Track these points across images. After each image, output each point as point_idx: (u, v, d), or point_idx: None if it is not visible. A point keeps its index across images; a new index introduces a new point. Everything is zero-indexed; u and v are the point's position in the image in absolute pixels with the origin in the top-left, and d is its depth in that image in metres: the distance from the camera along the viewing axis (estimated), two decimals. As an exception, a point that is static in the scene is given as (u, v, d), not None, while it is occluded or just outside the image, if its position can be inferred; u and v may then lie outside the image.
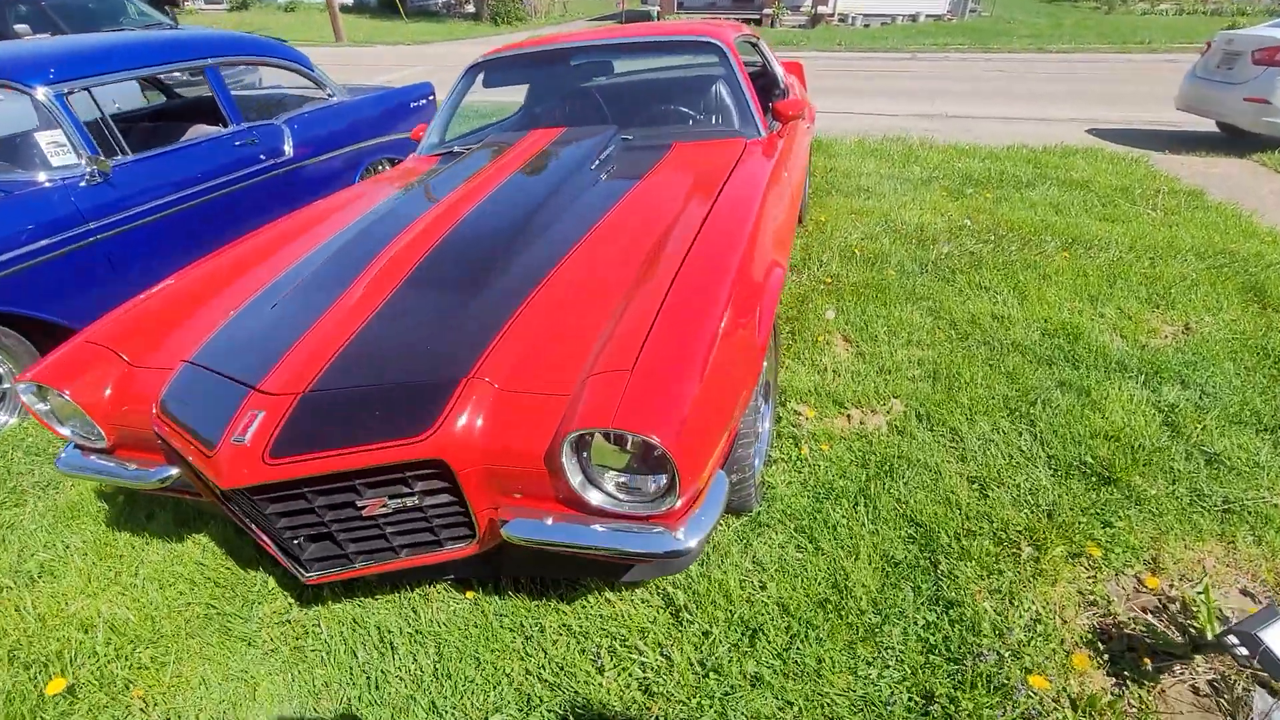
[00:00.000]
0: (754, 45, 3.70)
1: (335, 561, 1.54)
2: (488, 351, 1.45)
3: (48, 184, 3.16)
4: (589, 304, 1.59)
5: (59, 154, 3.26)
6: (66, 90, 3.27)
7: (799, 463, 2.19)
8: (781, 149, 2.72)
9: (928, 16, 20.89)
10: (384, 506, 1.42)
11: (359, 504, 1.41)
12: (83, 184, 3.22)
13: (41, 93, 3.18)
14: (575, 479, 1.31)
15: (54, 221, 3.11)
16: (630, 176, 2.25)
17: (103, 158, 3.30)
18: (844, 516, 1.96)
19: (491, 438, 1.34)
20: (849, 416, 2.41)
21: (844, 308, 3.15)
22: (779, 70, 3.74)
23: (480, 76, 3.08)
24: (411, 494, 1.40)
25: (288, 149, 4.32)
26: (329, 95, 4.86)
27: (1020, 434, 2.25)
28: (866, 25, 19.68)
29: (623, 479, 1.35)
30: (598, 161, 2.33)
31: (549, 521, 1.38)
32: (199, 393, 1.51)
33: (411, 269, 1.73)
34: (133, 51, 3.72)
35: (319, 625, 1.75)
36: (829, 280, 3.49)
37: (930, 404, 2.41)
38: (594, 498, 1.33)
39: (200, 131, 4.16)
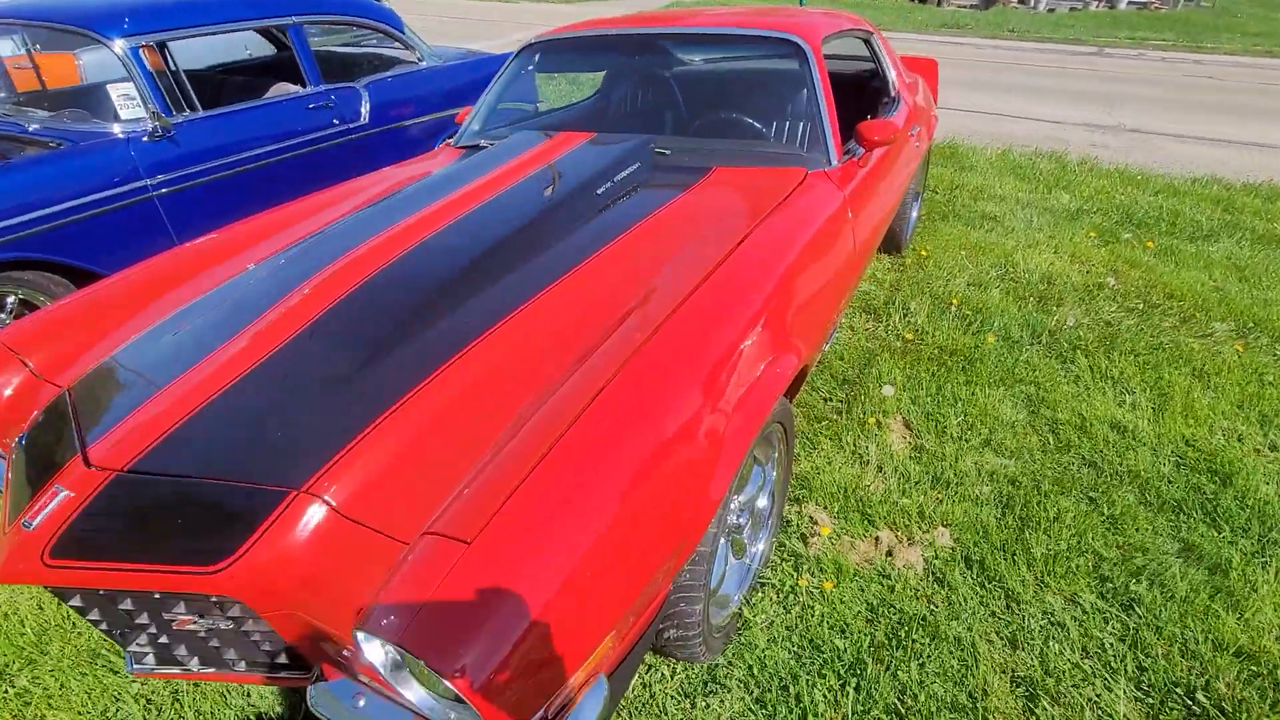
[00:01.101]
0: (866, 42, 3.08)
1: (166, 659, 1.32)
2: (343, 454, 1.13)
3: (111, 137, 3.17)
4: (493, 404, 1.21)
5: (128, 107, 3.27)
6: (142, 43, 3.26)
7: (791, 597, 1.72)
8: (857, 184, 2.17)
9: (1130, 3, 18.02)
10: (194, 624, 1.17)
11: (166, 615, 1.17)
12: (145, 139, 3.22)
13: (119, 44, 3.18)
14: (378, 659, 0.98)
15: (110, 175, 3.12)
16: (637, 211, 1.82)
17: (165, 115, 3.29)
18: (824, 699, 1.49)
19: (303, 580, 1.03)
20: (876, 540, 1.89)
21: (916, 378, 2.56)
22: (893, 75, 3.10)
23: (536, 59, 2.72)
24: (223, 618, 1.14)
25: (364, 114, 4.20)
26: (419, 59, 4.70)
27: (1107, 622, 1.64)
28: (1051, 10, 17.27)
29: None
30: (610, 184, 1.91)
31: (361, 703, 1.06)
32: (43, 440, 1.32)
33: (319, 313, 1.43)
34: (212, 6, 3.68)
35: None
36: (909, 337, 2.88)
37: (989, 546, 1.84)
38: (411, 693, 1.00)
39: (281, 90, 4.13)
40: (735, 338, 1.41)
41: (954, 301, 3.13)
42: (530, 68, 2.76)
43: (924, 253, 3.69)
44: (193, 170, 3.38)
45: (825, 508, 2.00)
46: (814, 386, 2.56)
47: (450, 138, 2.79)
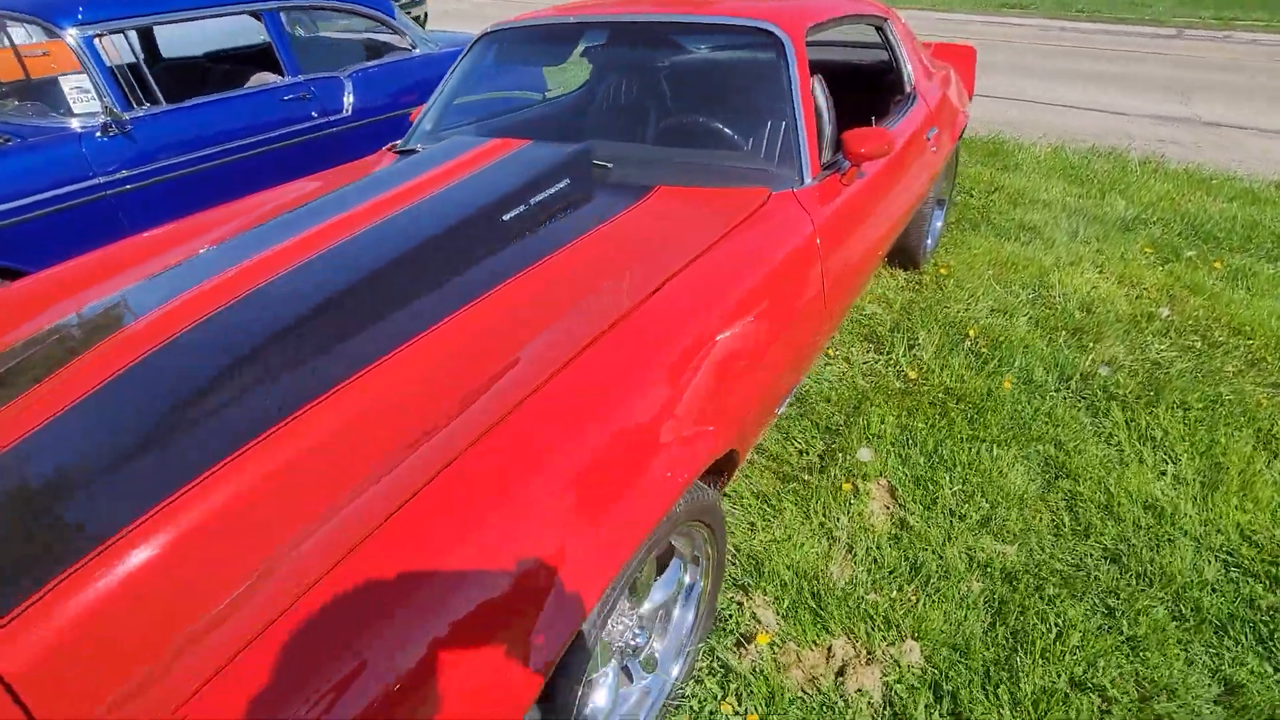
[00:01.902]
0: (878, 29, 2.65)
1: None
2: (49, 589, 0.86)
3: (62, 132, 3.00)
4: (259, 526, 0.92)
5: (81, 100, 3.10)
6: (96, 32, 3.08)
7: (712, 726, 1.40)
8: (837, 207, 1.80)
9: (1220, -21, 16.45)
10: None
11: None
12: (98, 135, 3.04)
13: (71, 34, 3.00)
14: None
15: (58, 174, 2.95)
16: (545, 244, 1.49)
17: (122, 109, 3.11)
18: None
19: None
20: (828, 652, 1.55)
21: (911, 430, 2.17)
22: (909, 68, 2.66)
23: (495, 50, 2.40)
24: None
25: (346, 106, 3.97)
26: (410, 46, 4.44)
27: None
28: (1129, -14, 15.90)
29: None
30: (523, 209, 1.59)
31: None
32: None
33: (128, 365, 1.17)
34: (175, -8, 3.48)
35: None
36: (912, 376, 2.48)
37: (968, 672, 1.47)
38: None
39: (261, 81, 3.92)
40: (629, 416, 1.09)
41: (971, 333, 2.71)
42: (490, 59, 2.44)
43: (944, 270, 3.25)
44: (151, 168, 3.19)
45: (774, 601, 1.66)
46: (789, 435, 2.21)
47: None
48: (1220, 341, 2.67)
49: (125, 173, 3.11)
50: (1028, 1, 12.74)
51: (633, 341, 1.21)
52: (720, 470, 1.45)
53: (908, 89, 2.65)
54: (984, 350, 2.60)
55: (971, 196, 4.22)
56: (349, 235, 1.52)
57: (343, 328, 1.24)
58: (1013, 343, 2.63)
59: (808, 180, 1.76)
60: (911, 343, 2.68)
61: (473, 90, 2.40)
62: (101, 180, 3.06)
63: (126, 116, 3.10)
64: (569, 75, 3.97)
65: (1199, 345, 2.65)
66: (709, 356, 1.28)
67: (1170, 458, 2.08)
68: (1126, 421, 2.23)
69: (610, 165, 1.82)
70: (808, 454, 2.14)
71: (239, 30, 5.42)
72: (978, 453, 2.09)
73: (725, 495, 1.98)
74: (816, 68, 3.32)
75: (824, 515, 1.90)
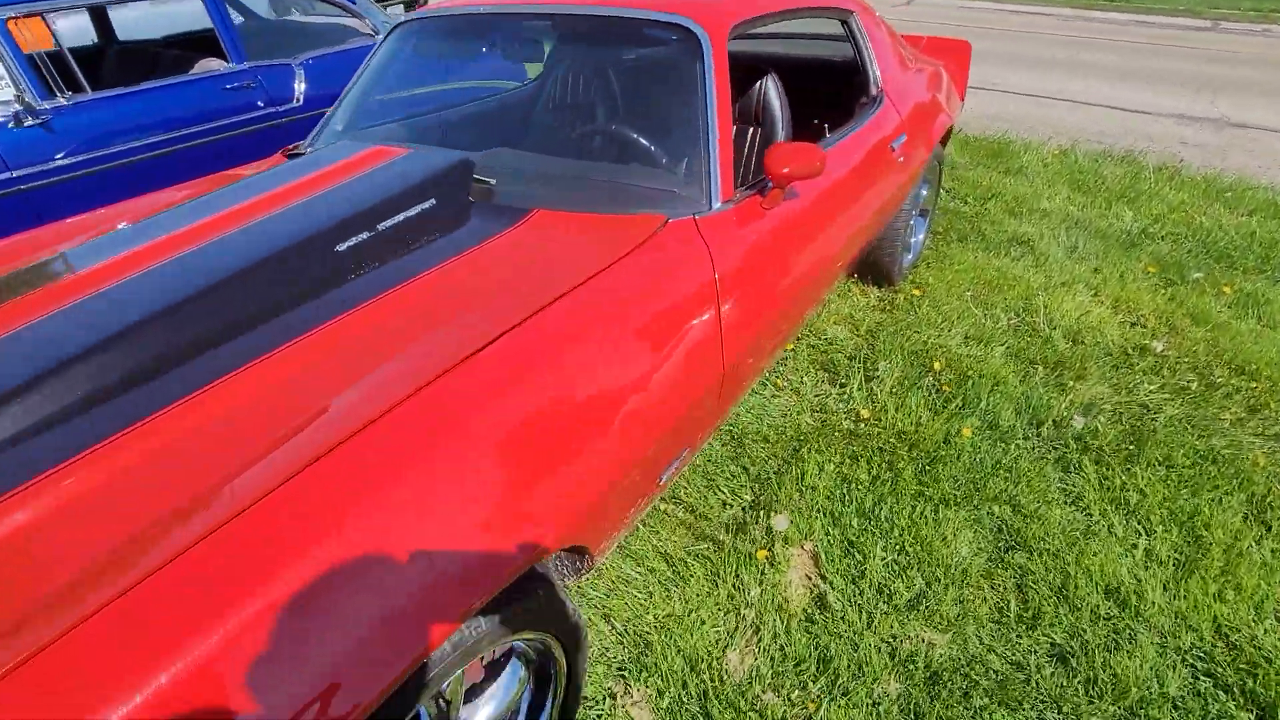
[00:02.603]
0: (843, 23, 2.37)
1: None
2: None
3: (-26, 123, 2.82)
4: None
5: None
6: (9, 15, 2.89)
7: None
8: (755, 237, 1.54)
9: (1264, -34, 15.58)
10: None
11: None
12: (11, 125, 2.86)
13: (-20, 20, 2.81)
14: None
15: (-37, 168, 2.78)
16: (376, 284, 1.25)
17: (39, 98, 2.92)
18: None
19: None
20: (707, 768, 1.32)
21: (852, 481, 1.92)
22: (875, 69, 2.37)
23: (412, 43, 2.16)
24: None
25: (297, 95, 3.75)
26: (374, 32, 4.21)
27: None
28: (1166, -26, 15.13)
29: None
30: (368, 235, 1.36)
31: None
32: None
33: None
34: (95, -29, 3.27)
35: None
36: (864, 415, 2.22)
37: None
38: None
39: (205, 68, 3.71)
40: (395, 519, 0.86)
41: (936, 365, 2.43)
42: (407, 52, 2.20)
43: (921, 290, 2.96)
44: (71, 161, 3.00)
45: (655, 696, 1.43)
46: (713, 482, 1.97)
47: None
48: (1219, 382, 2.37)
49: (41, 166, 2.92)
50: (1054, -11, 12.14)
51: (429, 416, 0.98)
52: (579, 566, 1.22)
53: (873, 91, 2.36)
54: (948, 387, 2.33)
55: (965, 203, 3.91)
56: (162, 259, 1.30)
57: (93, 387, 1.02)
58: (982, 378, 2.36)
59: (716, 205, 1.50)
60: (870, 374, 2.42)
61: (387, 87, 2.16)
62: (14, 174, 2.87)
63: (44, 106, 2.91)
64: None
65: (1195, 386, 2.35)
66: (543, 430, 1.04)
67: (1144, 528, 1.80)
68: (1100, 480, 1.96)
69: (492, 182, 1.57)
70: (731, 506, 1.90)
71: (201, 13, 5.23)
72: (922, 513, 1.83)
73: (629, 554, 1.75)
74: (777, 63, 3.04)
75: (735, 586, 1.66)
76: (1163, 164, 4.56)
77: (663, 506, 1.89)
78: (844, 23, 2.34)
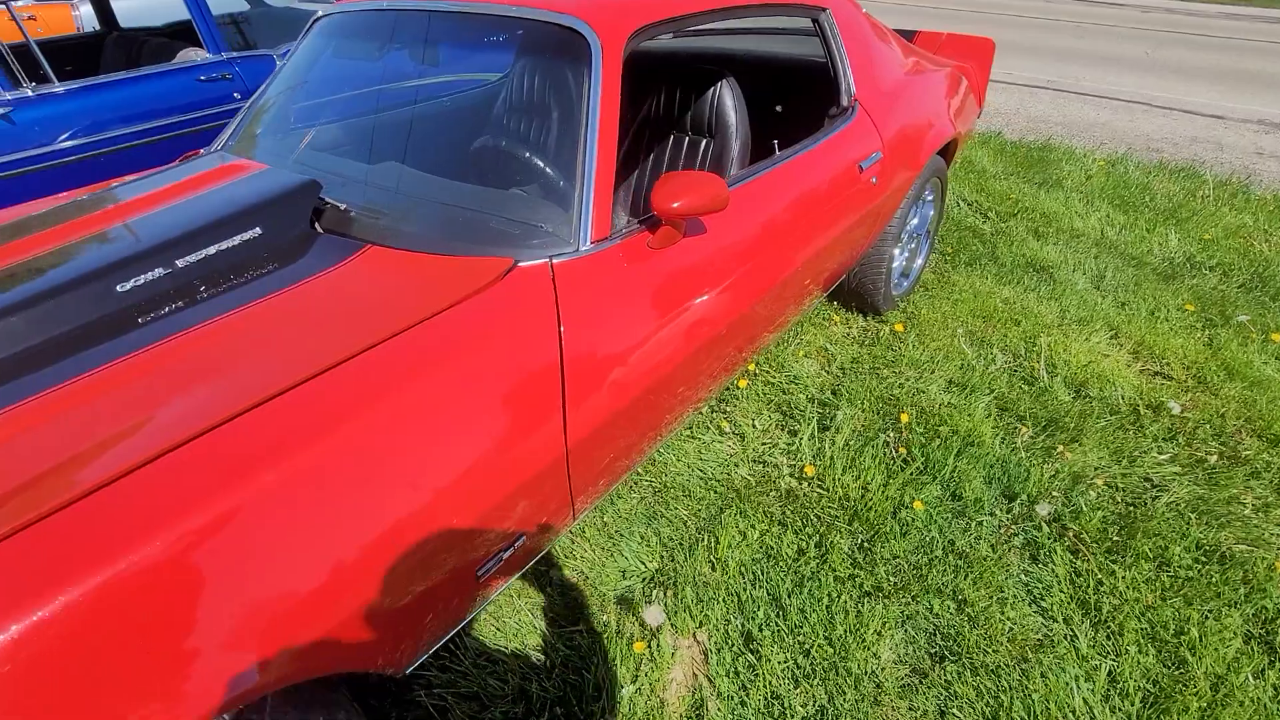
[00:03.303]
0: (814, 21, 2.07)
1: None
2: None
3: (-68, 113, 2.80)
4: None
5: None
6: (-30, 6, 2.86)
7: None
8: (634, 286, 1.30)
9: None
10: None
11: None
12: (-32, 116, 2.84)
13: (-56, 6, 2.78)
14: None
15: (-81, 158, 2.76)
16: (166, 328, 1.08)
17: (1, 88, 2.89)
18: None
19: None
20: None
21: (773, 557, 1.65)
22: (848, 77, 2.06)
23: (334, 41, 1.97)
24: None
25: (278, 86, 3.64)
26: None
27: None
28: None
29: None
30: (162, 271, 1.18)
31: None
32: None
33: None
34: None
35: None
36: (809, 474, 1.95)
37: None
38: None
39: (186, 58, 3.64)
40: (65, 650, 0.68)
41: (904, 417, 2.13)
42: (329, 50, 2.01)
43: (905, 325, 2.63)
44: (32, 154, 2.96)
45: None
46: (618, 546, 1.74)
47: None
48: (1247, 456, 1.99)
49: (2, 159, 2.88)
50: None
51: (146, 498, 0.80)
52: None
53: (845, 101, 2.06)
54: (913, 445, 2.03)
55: (985, 219, 3.52)
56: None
57: None
58: (955, 436, 2.05)
59: (584, 245, 1.27)
60: (827, 422, 2.13)
61: (294, 88, 1.98)
62: (-28, 166, 2.85)
63: (6, 97, 2.88)
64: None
65: (1215, 460, 1.99)
66: (293, 523, 0.85)
67: (1114, 646, 1.49)
68: (1071, 575, 1.65)
69: (342, 207, 1.38)
70: (629, 576, 1.67)
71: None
72: (845, 604, 1.57)
73: (499, 626, 1.55)
74: (748, 64, 2.74)
75: (603, 678, 1.44)
76: (1227, 178, 4.03)
77: (554, 569, 1.68)
78: (814, 21, 2.04)
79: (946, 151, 2.71)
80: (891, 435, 2.06)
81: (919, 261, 2.84)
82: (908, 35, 3.23)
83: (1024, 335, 2.55)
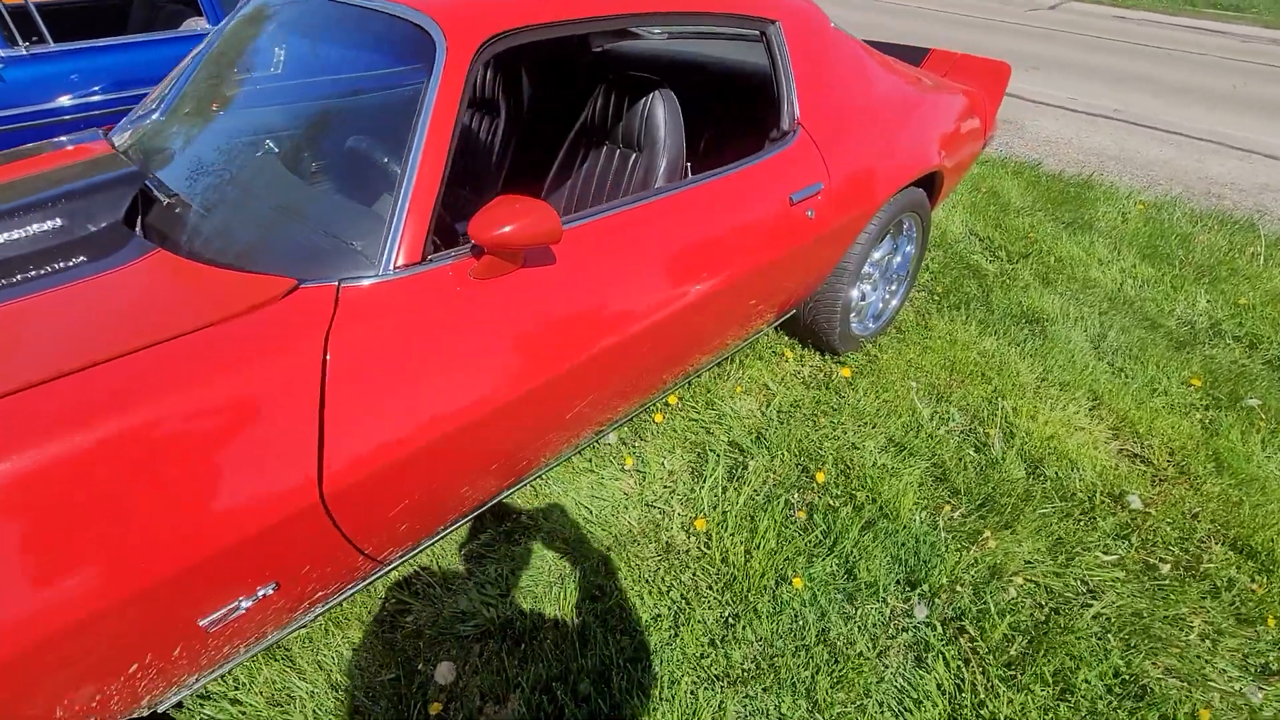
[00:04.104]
0: (762, 34, 1.87)
1: None
2: None
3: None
4: None
5: None
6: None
7: None
8: (437, 326, 1.17)
9: None
10: None
11: None
12: (-47, 73, 2.92)
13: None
14: None
15: (-88, 113, 2.85)
16: None
17: (-3, 45, 2.96)
18: None
19: None
20: None
21: (606, 631, 1.50)
22: (792, 98, 1.86)
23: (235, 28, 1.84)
24: None
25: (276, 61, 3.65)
26: None
27: None
28: None
29: None
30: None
31: None
32: None
33: None
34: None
35: None
36: (699, 529, 1.78)
37: None
38: None
39: (190, 27, 3.68)
40: None
41: (820, 477, 1.93)
42: (230, 35, 1.89)
43: (847, 372, 2.41)
44: (22, 111, 3.03)
45: None
46: (448, 587, 1.62)
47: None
48: (1208, 570, 1.72)
49: (-15, 115, 2.96)
50: (1243, 3, 10.26)
51: None
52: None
53: (785, 125, 1.87)
54: (818, 510, 1.83)
55: (993, 258, 3.24)
56: None
57: None
58: (872, 505, 1.84)
59: (387, 270, 1.15)
60: (736, 472, 1.96)
61: (208, 66, 1.87)
62: (-35, 122, 2.93)
63: (1, 54, 2.95)
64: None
65: (1167, 569, 1.72)
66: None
67: (974, 784, 1.29)
68: (953, 690, 1.44)
69: (164, 201, 1.29)
70: (468, 620, 1.55)
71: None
72: (681, 689, 1.41)
73: (236, 696, 1.46)
74: (700, 72, 2.53)
75: (400, 738, 1.33)
76: (1286, 237, 3.60)
77: (370, 611, 1.57)
78: (761, 34, 1.85)
79: (932, 185, 2.47)
80: (796, 496, 1.87)
81: (895, 302, 2.61)
82: (919, 55, 2.98)
83: (990, 395, 2.30)
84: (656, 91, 1.88)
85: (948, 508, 1.85)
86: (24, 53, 3.00)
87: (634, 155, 1.95)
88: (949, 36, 7.86)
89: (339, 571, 1.22)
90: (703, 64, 2.53)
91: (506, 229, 1.14)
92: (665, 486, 1.93)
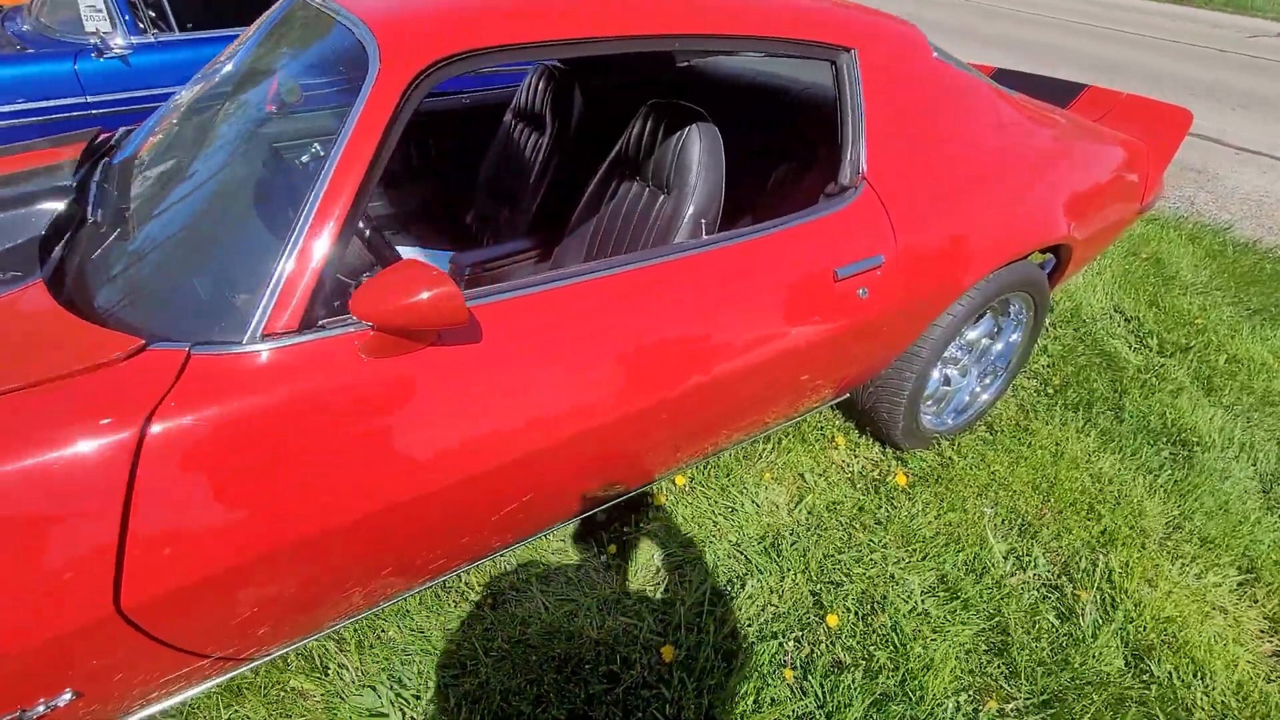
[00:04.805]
0: (832, 64, 1.50)
1: None
2: None
3: (65, 48, 3.13)
4: None
5: (93, 18, 3.20)
6: (110, -50, 3.14)
7: None
8: (297, 411, 0.94)
9: None
10: None
11: None
12: (94, 55, 3.14)
13: (84, -59, 3.08)
14: None
15: (49, 87, 3.09)
16: None
17: (129, 32, 3.16)
18: None
19: None
20: None
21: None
22: (859, 147, 1.47)
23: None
24: None
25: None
26: None
27: None
28: None
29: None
30: None
31: None
32: None
33: None
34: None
35: None
36: (641, 665, 1.45)
37: None
38: None
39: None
40: None
41: (832, 620, 1.53)
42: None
43: (902, 478, 1.96)
44: (142, 94, 3.23)
45: None
46: (356, 697, 1.41)
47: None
48: None
49: (111, 96, 3.16)
50: None
51: None
52: None
53: (846, 179, 1.48)
54: (822, 671, 1.44)
55: (1140, 347, 2.61)
56: None
57: None
58: (893, 672, 1.43)
59: (255, 336, 0.94)
60: (733, 588, 1.61)
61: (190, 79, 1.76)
62: (89, 100, 3.15)
63: (122, 41, 3.14)
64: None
65: None
66: None
67: None
68: None
69: (80, 230, 1.17)
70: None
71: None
72: None
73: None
74: (781, 96, 2.13)
75: None
76: None
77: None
78: (832, 65, 1.48)
79: (1057, 258, 1.97)
80: (794, 643, 1.50)
81: (985, 396, 2.12)
82: (1072, 90, 2.44)
83: (1095, 538, 1.78)
84: (695, 125, 1.57)
85: (996, 700, 1.40)
86: (150, 40, 3.18)
87: (662, 197, 1.65)
88: (1148, 65, 6.77)
89: (174, 675, 1.04)
90: (789, 89, 2.17)
91: (384, 307, 0.90)
92: (644, 591, 1.63)
